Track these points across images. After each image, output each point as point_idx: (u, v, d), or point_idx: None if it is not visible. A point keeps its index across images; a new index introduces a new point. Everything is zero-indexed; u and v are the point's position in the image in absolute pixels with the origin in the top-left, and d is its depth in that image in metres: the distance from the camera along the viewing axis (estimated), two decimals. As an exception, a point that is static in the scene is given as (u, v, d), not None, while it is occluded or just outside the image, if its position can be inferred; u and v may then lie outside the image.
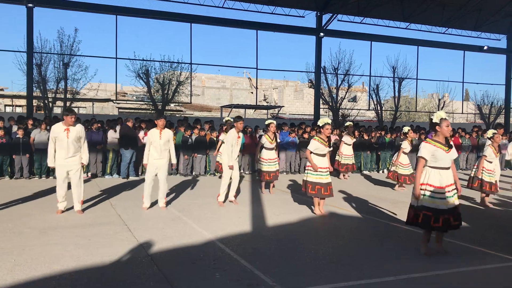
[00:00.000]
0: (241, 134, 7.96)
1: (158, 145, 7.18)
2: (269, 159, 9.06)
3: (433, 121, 4.87)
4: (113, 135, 11.58)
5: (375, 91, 21.18)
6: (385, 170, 13.86)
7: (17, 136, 10.81)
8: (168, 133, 7.33)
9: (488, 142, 8.28)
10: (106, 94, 30.34)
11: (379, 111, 21.09)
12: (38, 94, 16.18)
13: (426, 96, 40.64)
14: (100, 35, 67.44)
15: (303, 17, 19.30)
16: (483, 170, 8.17)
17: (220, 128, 12.96)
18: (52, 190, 7.66)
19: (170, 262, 4.44)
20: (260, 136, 10.49)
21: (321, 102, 20.16)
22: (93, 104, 26.19)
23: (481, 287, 4.03)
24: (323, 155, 6.86)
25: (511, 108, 24.40)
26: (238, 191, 8.43)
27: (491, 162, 8.22)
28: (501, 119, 24.69)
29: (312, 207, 7.21)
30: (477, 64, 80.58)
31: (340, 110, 20.39)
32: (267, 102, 41.57)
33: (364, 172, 14.09)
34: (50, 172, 10.99)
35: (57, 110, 18.31)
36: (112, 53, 18.06)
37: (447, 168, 4.80)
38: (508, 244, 5.44)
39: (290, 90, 40.84)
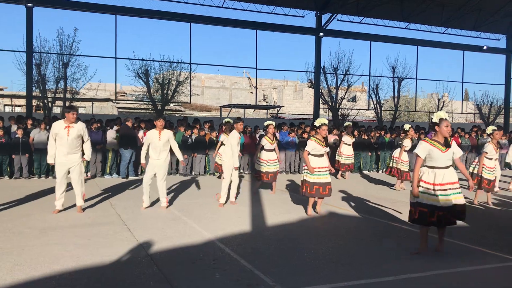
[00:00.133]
0: (240, 134, 7.97)
1: (157, 146, 7.16)
2: (269, 160, 9.06)
3: (433, 120, 4.92)
4: (111, 135, 11.58)
5: (375, 91, 21.19)
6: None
7: (17, 136, 10.80)
8: (167, 134, 7.27)
9: (489, 139, 8.33)
10: (106, 94, 30.32)
11: (379, 111, 21.10)
12: (37, 94, 16.17)
13: (425, 96, 40.72)
14: (99, 35, 67.49)
15: (303, 17, 19.32)
16: (483, 167, 8.21)
17: (219, 128, 12.96)
18: (52, 190, 7.64)
19: (170, 262, 4.44)
20: (261, 136, 10.49)
21: (320, 102, 20.15)
22: (92, 104, 26.16)
23: (481, 287, 4.03)
24: (321, 155, 6.87)
25: (510, 108, 24.42)
26: (238, 192, 8.43)
27: (491, 159, 8.26)
28: (500, 119, 24.70)
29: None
30: (476, 64, 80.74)
31: (340, 110, 20.39)
32: (266, 102, 41.58)
33: (364, 172, 14.10)
34: (49, 172, 11.00)
35: (56, 110, 18.30)
36: (111, 53, 18.12)
37: (444, 168, 4.82)
38: (508, 244, 5.45)
39: (290, 90, 40.86)
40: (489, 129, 8.49)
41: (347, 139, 12.26)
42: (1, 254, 4.54)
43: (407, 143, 10.10)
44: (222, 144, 9.77)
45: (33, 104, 16.57)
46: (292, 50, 79.04)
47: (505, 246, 5.26)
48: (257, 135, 13.06)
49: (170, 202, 7.79)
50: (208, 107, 36.88)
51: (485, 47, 22.82)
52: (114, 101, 27.97)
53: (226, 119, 10.87)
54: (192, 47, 18.33)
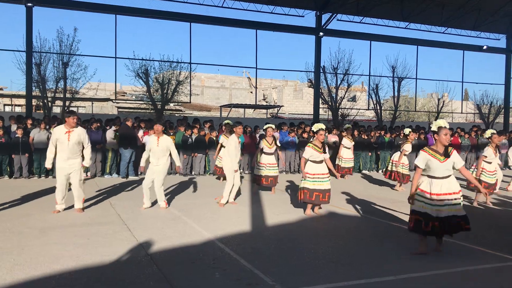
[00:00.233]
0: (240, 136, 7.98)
1: (156, 151, 7.15)
2: (269, 164, 9.02)
3: (432, 129, 4.92)
4: (109, 135, 11.57)
5: (375, 90, 21.19)
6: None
7: (16, 135, 10.79)
8: (166, 141, 7.19)
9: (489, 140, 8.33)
10: (106, 94, 30.31)
11: (379, 110, 21.09)
12: (37, 94, 16.16)
13: (425, 95, 40.69)
14: (99, 35, 67.39)
15: (303, 16, 19.32)
16: (482, 171, 8.20)
17: (219, 128, 12.96)
18: (52, 190, 7.65)
19: (169, 261, 4.44)
20: (261, 136, 10.49)
21: (320, 101, 20.15)
22: (92, 103, 26.14)
23: (480, 287, 4.03)
24: (320, 162, 6.83)
25: (510, 107, 24.42)
26: (238, 192, 8.42)
27: (490, 163, 8.24)
28: (500, 119, 24.69)
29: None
30: (476, 64, 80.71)
31: (340, 110, 20.39)
32: (266, 102, 41.55)
33: (364, 172, 14.10)
34: (49, 171, 10.98)
35: (56, 110, 18.28)
36: (111, 53, 18.14)
37: (442, 178, 4.80)
38: (508, 244, 5.45)
39: (290, 89, 40.84)
40: (488, 132, 8.44)
41: (347, 142, 12.26)
42: (1, 254, 4.54)
43: (408, 148, 10.06)
44: (222, 146, 9.75)
45: (33, 103, 16.56)
46: (292, 50, 79.10)
47: (505, 246, 5.26)
48: (257, 135, 13.06)
49: (170, 202, 7.79)
50: (208, 107, 36.87)
51: (485, 47, 22.82)
52: (114, 100, 27.96)
53: (226, 121, 10.86)
54: (192, 47, 18.37)
